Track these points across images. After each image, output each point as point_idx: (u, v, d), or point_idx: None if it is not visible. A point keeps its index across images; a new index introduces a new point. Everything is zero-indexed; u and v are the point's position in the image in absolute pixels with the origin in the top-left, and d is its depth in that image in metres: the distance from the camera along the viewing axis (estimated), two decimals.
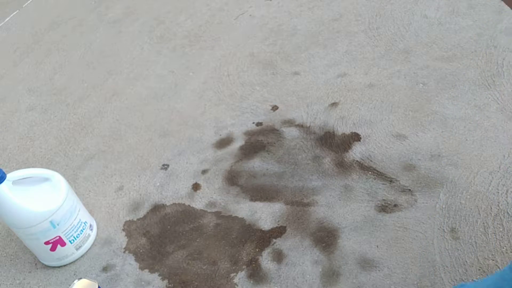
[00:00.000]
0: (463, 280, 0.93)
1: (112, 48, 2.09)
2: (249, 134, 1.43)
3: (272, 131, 1.42)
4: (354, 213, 1.11)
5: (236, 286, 1.04)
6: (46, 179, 1.14)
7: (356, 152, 1.27)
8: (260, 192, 1.24)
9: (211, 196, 1.27)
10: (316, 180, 1.22)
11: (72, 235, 1.15)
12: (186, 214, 1.24)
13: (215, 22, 2.05)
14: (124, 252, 1.19)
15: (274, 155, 1.34)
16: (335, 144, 1.31)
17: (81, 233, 1.18)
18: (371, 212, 1.10)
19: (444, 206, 1.07)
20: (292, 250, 1.08)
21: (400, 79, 1.45)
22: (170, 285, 1.08)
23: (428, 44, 1.53)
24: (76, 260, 1.20)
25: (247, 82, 1.65)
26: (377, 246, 1.03)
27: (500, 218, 1.01)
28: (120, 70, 1.92)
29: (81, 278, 0.84)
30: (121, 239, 1.22)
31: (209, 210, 1.23)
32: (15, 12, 2.70)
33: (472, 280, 0.94)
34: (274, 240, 1.12)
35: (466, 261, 0.96)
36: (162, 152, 1.46)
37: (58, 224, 1.11)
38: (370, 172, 1.20)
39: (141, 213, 1.28)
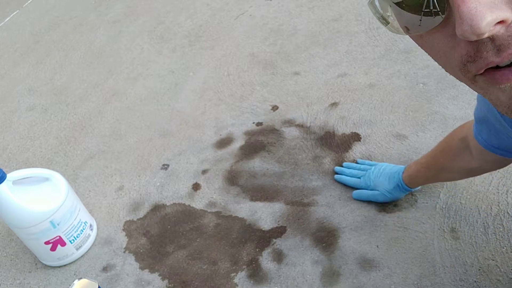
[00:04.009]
0: (462, 280, 0.93)
1: (112, 48, 2.09)
2: (249, 134, 1.43)
3: (272, 131, 1.42)
4: (354, 213, 1.11)
5: (236, 286, 1.04)
6: (46, 179, 1.14)
7: (356, 152, 1.27)
8: (260, 192, 1.24)
9: (211, 196, 1.27)
10: (316, 180, 1.22)
11: (72, 235, 1.15)
12: (186, 214, 1.24)
13: (215, 22, 2.05)
14: (124, 252, 1.19)
15: (274, 155, 1.34)
16: (335, 144, 1.31)
17: (81, 233, 1.18)
18: (371, 212, 1.11)
19: (444, 206, 1.07)
20: (292, 250, 1.08)
21: (400, 79, 1.46)
22: (170, 285, 1.08)
23: None
24: (76, 260, 1.20)
25: (247, 82, 1.65)
26: (377, 246, 1.03)
27: (500, 218, 1.01)
28: (120, 70, 1.92)
29: (81, 278, 0.83)
30: (121, 239, 1.22)
31: (209, 210, 1.23)
32: (15, 12, 2.70)
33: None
34: (274, 240, 1.12)
35: (466, 261, 0.96)
36: (162, 152, 1.46)
37: (58, 224, 1.11)
38: None
39: (141, 213, 1.28)
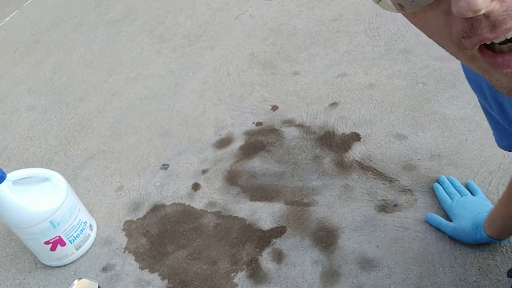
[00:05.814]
0: (462, 280, 0.93)
1: (112, 48, 2.09)
2: (249, 134, 1.43)
3: (272, 131, 1.42)
4: (354, 213, 1.11)
5: (236, 286, 1.04)
6: (46, 179, 1.14)
7: (356, 152, 1.27)
8: (260, 192, 1.24)
9: (211, 196, 1.27)
10: (316, 180, 1.22)
11: (72, 235, 1.15)
12: (186, 214, 1.24)
13: (215, 22, 2.05)
14: (124, 252, 1.19)
15: (274, 155, 1.34)
16: (335, 144, 1.31)
17: (81, 233, 1.18)
18: (371, 212, 1.11)
19: None
20: (292, 250, 1.08)
21: (400, 79, 1.46)
22: (170, 285, 1.08)
23: (428, 44, 1.53)
24: (76, 260, 1.20)
25: (247, 82, 1.65)
26: (377, 246, 1.03)
27: None
28: (120, 70, 1.92)
29: (81, 278, 0.83)
30: (121, 239, 1.22)
31: (209, 210, 1.23)
32: (15, 12, 2.70)
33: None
34: (274, 240, 1.12)
35: (466, 261, 0.96)
36: (162, 152, 1.46)
37: (58, 224, 1.11)
38: (370, 172, 1.20)
39: (141, 213, 1.28)
